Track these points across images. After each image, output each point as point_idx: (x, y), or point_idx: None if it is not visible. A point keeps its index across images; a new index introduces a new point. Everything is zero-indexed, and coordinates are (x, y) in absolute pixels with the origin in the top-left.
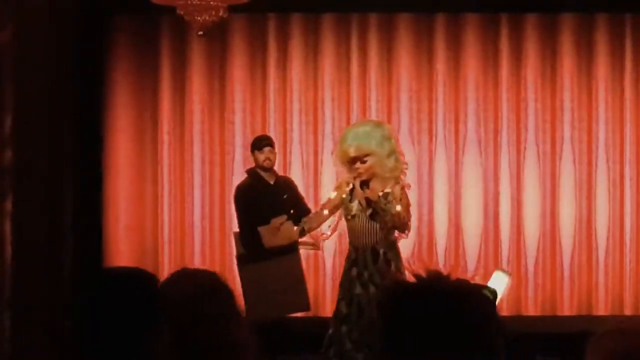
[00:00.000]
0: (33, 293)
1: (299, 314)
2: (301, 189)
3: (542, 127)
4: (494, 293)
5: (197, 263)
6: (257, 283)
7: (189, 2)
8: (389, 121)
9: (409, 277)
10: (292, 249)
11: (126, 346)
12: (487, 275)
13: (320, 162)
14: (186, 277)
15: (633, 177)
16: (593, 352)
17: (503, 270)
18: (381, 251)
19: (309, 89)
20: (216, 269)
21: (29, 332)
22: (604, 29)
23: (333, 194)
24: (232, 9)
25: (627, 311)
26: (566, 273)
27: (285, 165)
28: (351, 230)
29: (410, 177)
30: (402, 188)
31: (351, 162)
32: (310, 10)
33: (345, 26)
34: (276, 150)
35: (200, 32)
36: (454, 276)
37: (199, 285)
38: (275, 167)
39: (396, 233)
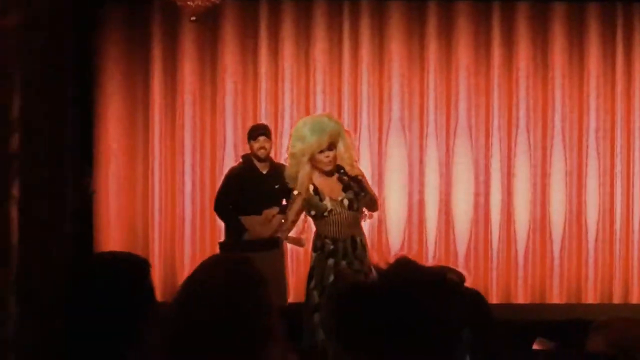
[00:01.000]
0: (39, 278)
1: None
2: None
3: (533, 115)
4: (460, 275)
5: (186, 251)
6: None
7: None
8: (380, 108)
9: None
10: (275, 244)
11: (118, 330)
12: (477, 266)
13: None
14: (219, 265)
15: (623, 167)
16: (597, 339)
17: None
18: (358, 239)
19: (300, 75)
20: (206, 254)
21: (34, 317)
22: (595, 19)
23: (297, 202)
24: None
25: (616, 300)
26: (556, 261)
27: (276, 151)
28: (327, 224)
29: (401, 164)
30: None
31: (321, 152)
32: None
33: (337, 13)
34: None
35: (193, 18)
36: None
37: (232, 273)
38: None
39: (366, 213)
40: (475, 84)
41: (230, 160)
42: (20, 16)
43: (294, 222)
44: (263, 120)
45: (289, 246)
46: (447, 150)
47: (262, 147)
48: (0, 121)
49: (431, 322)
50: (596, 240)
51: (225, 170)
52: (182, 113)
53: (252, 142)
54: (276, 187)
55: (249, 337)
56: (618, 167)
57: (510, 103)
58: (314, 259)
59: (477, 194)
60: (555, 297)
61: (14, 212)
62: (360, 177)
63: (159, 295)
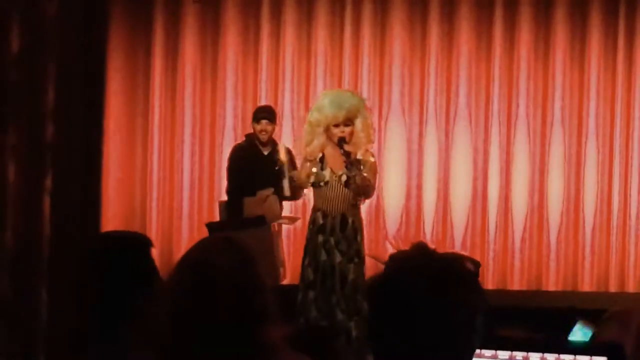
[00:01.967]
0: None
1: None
2: None
3: (534, 102)
4: (477, 265)
5: (184, 228)
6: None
7: None
8: (380, 92)
9: (392, 252)
10: (262, 221)
11: (121, 307)
12: (473, 252)
13: None
14: (213, 245)
15: (622, 155)
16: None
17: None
18: (350, 219)
19: (301, 58)
20: (204, 234)
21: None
22: (597, 6)
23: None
24: None
25: (612, 288)
26: (552, 249)
27: (276, 133)
28: (321, 197)
29: (400, 149)
30: (373, 155)
31: (336, 125)
32: None
33: None
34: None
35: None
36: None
37: (226, 253)
38: None
39: (362, 199)
40: (476, 70)
41: (229, 141)
42: (60, 3)
43: (304, 166)
44: (263, 101)
45: (284, 227)
46: (447, 135)
47: (264, 130)
48: (34, 112)
49: (448, 310)
50: (593, 228)
51: (225, 151)
52: (183, 92)
53: (254, 124)
54: (276, 168)
55: (245, 316)
56: (616, 156)
57: (511, 90)
58: (308, 234)
59: (475, 179)
60: (552, 284)
61: (47, 204)
62: (358, 159)
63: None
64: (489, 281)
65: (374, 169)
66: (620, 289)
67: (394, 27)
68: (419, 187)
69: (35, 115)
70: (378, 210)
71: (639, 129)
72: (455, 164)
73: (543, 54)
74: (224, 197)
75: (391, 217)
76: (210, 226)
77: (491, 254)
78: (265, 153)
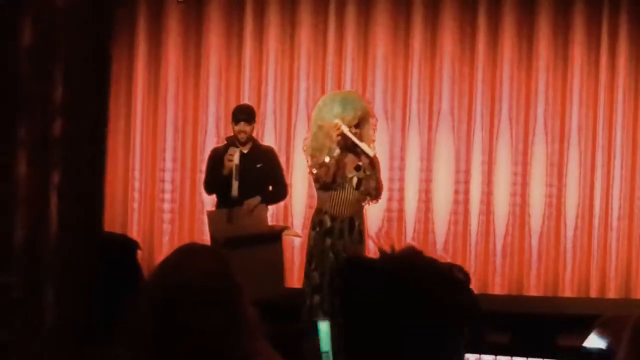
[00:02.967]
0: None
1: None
2: None
3: (516, 106)
4: (466, 274)
5: (165, 230)
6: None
7: None
8: (364, 95)
9: (375, 252)
10: (275, 238)
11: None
12: (455, 256)
13: (293, 132)
14: (194, 253)
15: (604, 161)
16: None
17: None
18: (356, 223)
19: (284, 59)
20: (184, 236)
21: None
22: (581, 10)
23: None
24: None
25: (593, 294)
26: (534, 253)
27: (258, 134)
28: (330, 200)
29: (382, 151)
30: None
31: (356, 125)
32: None
33: None
34: (254, 123)
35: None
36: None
37: (220, 261)
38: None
39: (368, 201)
40: (459, 72)
41: (211, 141)
42: None
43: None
44: (246, 101)
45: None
46: (429, 138)
47: (242, 131)
48: (42, 107)
49: (436, 312)
50: (574, 233)
51: (207, 150)
52: (165, 93)
53: (233, 124)
54: (257, 166)
55: (220, 322)
56: (598, 162)
57: (494, 93)
58: (312, 237)
59: (457, 183)
60: (532, 289)
61: (53, 201)
62: (375, 161)
63: None
64: (471, 285)
65: (379, 168)
66: (601, 294)
67: (377, 29)
68: (401, 190)
69: (44, 110)
70: None
71: (621, 135)
72: (437, 167)
73: (526, 58)
74: (210, 207)
75: (372, 220)
76: (226, 242)
77: (473, 257)
78: (245, 152)
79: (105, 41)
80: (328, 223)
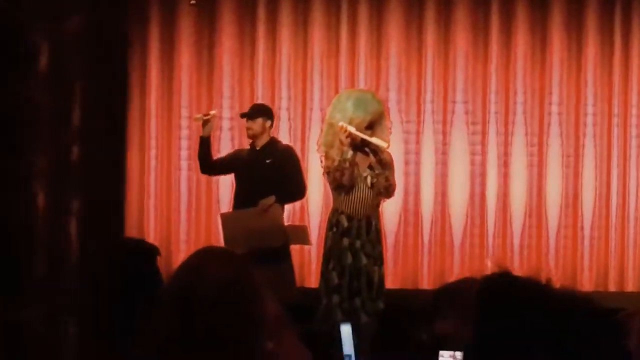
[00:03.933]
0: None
1: None
2: None
3: (531, 102)
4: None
5: (182, 233)
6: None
7: None
8: (377, 94)
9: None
10: (285, 253)
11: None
12: (472, 252)
13: (307, 132)
14: (226, 255)
15: (620, 155)
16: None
17: None
18: (373, 222)
19: (297, 59)
20: (201, 238)
21: (95, 340)
22: (594, 7)
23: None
24: None
25: (611, 287)
26: (552, 248)
27: (275, 131)
28: (346, 200)
29: (397, 150)
30: (390, 155)
31: (367, 127)
32: None
33: None
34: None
35: (192, 1)
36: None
37: (238, 264)
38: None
39: (381, 199)
40: (473, 70)
41: (226, 143)
42: (84, 20)
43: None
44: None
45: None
46: (444, 136)
47: (248, 128)
48: (61, 130)
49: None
50: (592, 227)
51: (222, 153)
52: (179, 96)
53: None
54: (267, 161)
55: (237, 325)
56: (615, 156)
57: (508, 89)
58: (329, 238)
59: (472, 180)
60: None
61: (73, 228)
62: (388, 159)
63: None
64: None
65: (393, 166)
66: (620, 288)
67: (390, 28)
68: (417, 188)
69: (61, 137)
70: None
71: (636, 129)
72: (452, 165)
73: (540, 55)
74: (223, 210)
75: (389, 218)
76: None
77: (490, 254)
78: (257, 148)
79: (121, 64)
80: (345, 223)
